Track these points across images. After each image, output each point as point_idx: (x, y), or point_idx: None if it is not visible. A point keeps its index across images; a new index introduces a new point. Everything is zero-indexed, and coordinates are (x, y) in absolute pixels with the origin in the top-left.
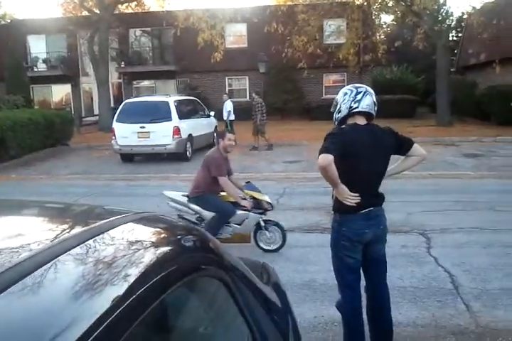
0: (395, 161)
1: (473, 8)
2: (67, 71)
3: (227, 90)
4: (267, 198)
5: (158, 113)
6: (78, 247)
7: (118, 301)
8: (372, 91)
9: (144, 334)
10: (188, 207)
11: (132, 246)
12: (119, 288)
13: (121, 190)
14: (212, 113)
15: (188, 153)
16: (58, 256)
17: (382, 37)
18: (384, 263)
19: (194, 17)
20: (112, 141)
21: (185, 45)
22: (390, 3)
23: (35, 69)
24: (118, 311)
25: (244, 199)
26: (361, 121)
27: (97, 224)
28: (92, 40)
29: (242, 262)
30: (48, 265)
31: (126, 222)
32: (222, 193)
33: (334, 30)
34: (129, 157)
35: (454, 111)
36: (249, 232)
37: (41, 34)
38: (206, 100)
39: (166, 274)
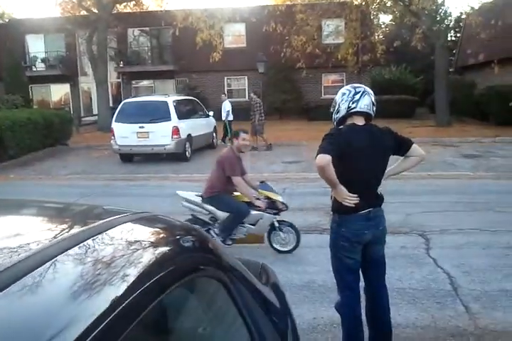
0: (394, 162)
1: (472, 8)
2: (65, 71)
3: (226, 90)
4: (281, 198)
5: (157, 113)
6: (76, 247)
7: (116, 301)
8: (370, 92)
9: (142, 335)
10: (202, 207)
11: (131, 246)
12: (118, 288)
13: (120, 190)
14: (211, 113)
15: (187, 153)
16: (56, 255)
17: (381, 37)
18: (383, 264)
19: (193, 17)
20: (111, 141)
21: (184, 45)
22: (389, 3)
23: (34, 69)
24: (116, 311)
25: (259, 199)
26: (360, 121)
27: (96, 223)
28: (91, 39)
29: (240, 263)
30: (46, 265)
31: (125, 222)
32: (236, 193)
33: (333, 30)
34: (128, 157)
35: (453, 111)
36: (263, 233)
37: (40, 33)
38: (205, 100)
39: (164, 274)
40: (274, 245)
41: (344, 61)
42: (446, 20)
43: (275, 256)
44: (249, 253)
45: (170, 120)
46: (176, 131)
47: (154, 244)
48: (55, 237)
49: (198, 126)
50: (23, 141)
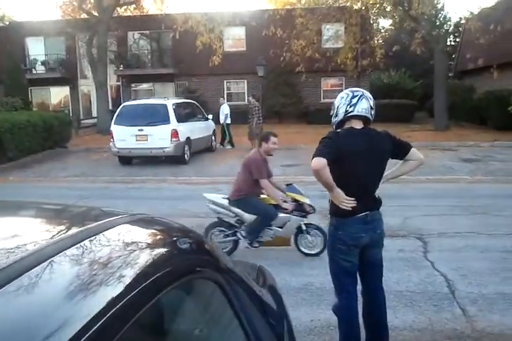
0: (393, 166)
1: (471, 13)
2: (65, 73)
3: (225, 93)
4: (308, 201)
5: (156, 116)
6: (73, 248)
7: (111, 302)
8: (369, 95)
9: (137, 336)
10: (229, 210)
11: (127, 247)
12: (113, 289)
13: (119, 192)
14: (210, 116)
15: (186, 156)
16: (53, 256)
17: (380, 41)
18: (380, 267)
19: (193, 20)
20: (110, 144)
21: (184, 49)
22: (388, 8)
23: (34, 72)
24: (111, 312)
25: (286, 201)
26: (358, 125)
27: (93, 225)
28: (91, 42)
29: (238, 265)
30: (42, 265)
31: (122, 223)
32: (263, 196)
33: (332, 35)
34: (127, 159)
35: (452, 115)
36: (290, 235)
37: (40, 36)
38: (204, 103)
39: (160, 276)
40: (301, 248)
41: (343, 65)
42: (445, 25)
43: (273, 258)
44: (248, 255)
45: (169, 123)
46: (174, 134)
47: (151, 246)
48: (52, 238)
49: (197, 129)
50: (23, 144)
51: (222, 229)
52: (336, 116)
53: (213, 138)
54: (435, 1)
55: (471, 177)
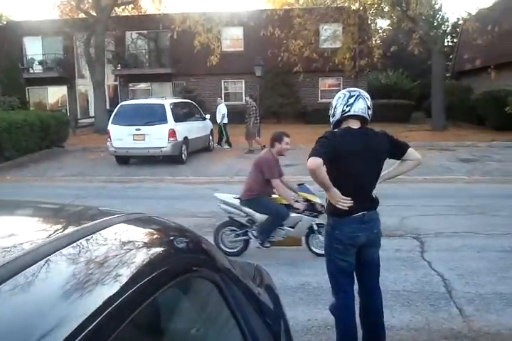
0: (391, 166)
1: (469, 14)
2: (63, 73)
3: (223, 93)
4: (320, 200)
5: (153, 115)
6: (69, 247)
7: (107, 301)
8: (366, 95)
9: (133, 335)
10: (240, 210)
11: (124, 246)
12: (109, 288)
13: (116, 192)
14: (207, 116)
15: (183, 155)
16: (49, 255)
17: (378, 42)
18: (377, 266)
19: (190, 20)
20: (108, 143)
21: (182, 48)
22: (386, 9)
23: (31, 71)
24: (107, 311)
25: (298, 201)
26: (355, 124)
27: (89, 224)
28: (89, 42)
29: (235, 264)
30: (38, 264)
31: (119, 223)
32: (274, 195)
33: (330, 35)
34: (124, 159)
35: (449, 115)
36: (301, 235)
37: (37, 36)
38: (202, 103)
39: (156, 275)
40: (312, 248)
41: (341, 65)
42: (443, 26)
43: (270, 257)
44: (245, 255)
45: (166, 122)
46: (172, 133)
47: (147, 245)
48: (48, 237)
49: (195, 129)
50: (20, 143)
51: (234, 228)
52: (334, 116)
53: (211, 137)
54: (433, 2)
55: (469, 177)
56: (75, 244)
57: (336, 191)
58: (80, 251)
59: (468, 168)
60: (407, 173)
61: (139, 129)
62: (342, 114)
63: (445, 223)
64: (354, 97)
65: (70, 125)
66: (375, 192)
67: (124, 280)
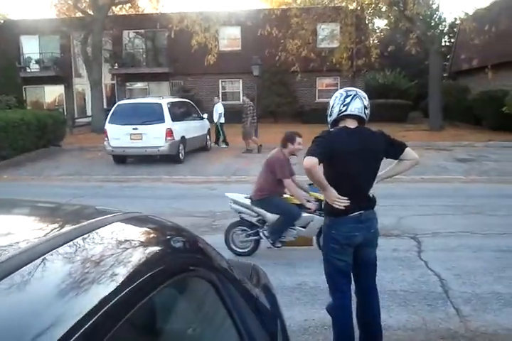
0: (388, 165)
1: (466, 14)
2: (60, 72)
3: (220, 93)
4: None
5: (151, 115)
6: (65, 245)
7: (103, 300)
8: (363, 95)
9: (129, 334)
10: (251, 210)
11: (120, 245)
12: (105, 287)
13: (113, 191)
14: (205, 115)
15: (180, 155)
16: (45, 254)
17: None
18: (374, 266)
19: (188, 19)
20: (105, 143)
21: (179, 48)
22: (384, 8)
23: (28, 70)
24: (103, 310)
25: (309, 201)
26: (352, 124)
27: (86, 222)
28: (86, 41)
29: (232, 264)
30: (34, 263)
31: (115, 222)
32: (285, 195)
33: (328, 35)
34: (121, 158)
35: (446, 115)
36: (313, 235)
37: (34, 35)
38: (199, 102)
39: (153, 274)
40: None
41: (339, 65)
42: (440, 26)
43: (267, 257)
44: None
45: (164, 122)
46: (169, 132)
47: (144, 244)
48: (44, 236)
49: (192, 128)
50: (16, 142)
51: (244, 228)
52: (331, 115)
53: (208, 137)
54: (430, 2)
55: (466, 177)
56: (71, 243)
57: (332, 190)
58: (76, 250)
59: (465, 168)
60: (404, 173)
61: (136, 128)
62: (339, 114)
63: (442, 223)
64: (351, 97)
65: (67, 124)
66: (372, 192)
67: (120, 279)
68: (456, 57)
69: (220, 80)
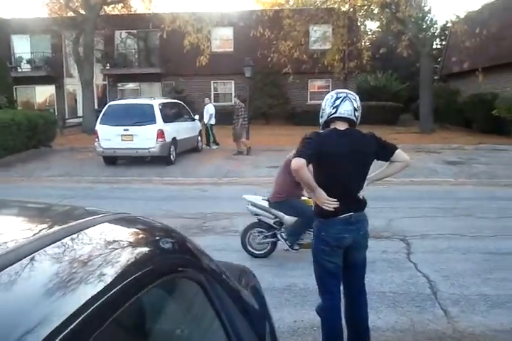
0: (379, 168)
1: (457, 17)
2: (51, 72)
3: (212, 94)
4: None
5: (142, 116)
6: (53, 245)
7: (90, 300)
8: (353, 97)
9: (116, 334)
10: (269, 212)
11: (108, 246)
12: (93, 287)
13: (103, 192)
14: (196, 116)
15: (171, 156)
16: (32, 254)
17: (367, 44)
18: (363, 268)
19: (180, 20)
20: (95, 143)
21: (172, 48)
22: (376, 11)
23: (19, 70)
24: (89, 310)
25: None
26: (342, 126)
27: (74, 223)
28: (77, 41)
29: (221, 265)
30: (21, 263)
31: (104, 222)
32: (304, 197)
33: (320, 36)
34: (112, 159)
35: (437, 118)
36: None
37: (25, 34)
38: (191, 103)
39: (141, 274)
40: None
41: (330, 67)
42: (431, 28)
43: (257, 259)
44: (232, 256)
45: (155, 123)
46: (160, 134)
47: (132, 244)
48: (32, 235)
49: (184, 130)
50: (6, 142)
51: (262, 230)
52: (322, 117)
53: (199, 138)
54: (422, 4)
55: (455, 179)
56: (59, 243)
57: (321, 192)
58: (64, 250)
59: (455, 171)
60: (394, 175)
61: (127, 129)
62: (329, 116)
63: (431, 225)
64: (340, 99)
65: (58, 125)
66: (362, 194)
67: (108, 279)
68: (447, 59)
69: (212, 81)
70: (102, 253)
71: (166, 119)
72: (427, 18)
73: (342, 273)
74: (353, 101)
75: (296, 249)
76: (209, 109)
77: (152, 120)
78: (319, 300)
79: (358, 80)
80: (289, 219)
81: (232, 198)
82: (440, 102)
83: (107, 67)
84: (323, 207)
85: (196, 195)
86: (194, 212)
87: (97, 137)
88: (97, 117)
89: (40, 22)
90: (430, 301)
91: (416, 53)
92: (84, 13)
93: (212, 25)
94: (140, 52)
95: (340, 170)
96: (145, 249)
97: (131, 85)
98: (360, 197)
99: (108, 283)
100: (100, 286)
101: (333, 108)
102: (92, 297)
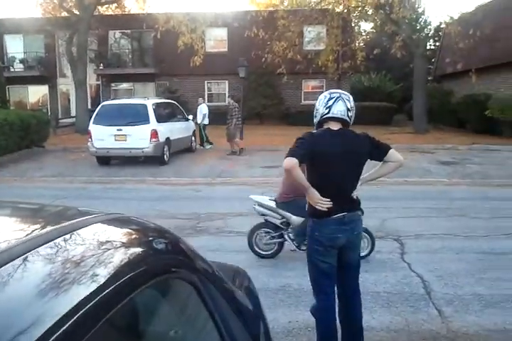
0: (373, 167)
1: (451, 18)
2: (44, 72)
3: (206, 94)
4: None
5: (135, 116)
6: (45, 246)
7: (83, 301)
8: (347, 97)
9: (109, 335)
10: (276, 212)
11: (101, 246)
12: (85, 288)
13: (97, 192)
14: (190, 117)
15: (165, 156)
16: (24, 254)
17: (361, 44)
18: (357, 268)
19: (174, 20)
20: (89, 143)
21: (165, 48)
22: (370, 11)
23: (12, 70)
24: (82, 311)
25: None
26: (335, 126)
27: (67, 223)
28: (71, 41)
29: (214, 266)
30: (13, 263)
31: (97, 222)
32: None
33: (314, 37)
34: (105, 160)
35: (431, 118)
36: None
37: (19, 34)
38: (185, 104)
39: (134, 275)
40: None
41: (324, 67)
42: (425, 29)
43: (251, 259)
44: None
45: (148, 123)
46: (154, 134)
47: (125, 245)
48: (24, 236)
49: (177, 130)
50: None
51: (268, 230)
52: (315, 117)
53: (193, 138)
54: (416, 5)
55: (449, 179)
56: (52, 243)
57: (314, 192)
58: (56, 251)
59: (449, 171)
60: (388, 175)
61: (120, 129)
62: (322, 116)
63: (425, 225)
64: (333, 99)
65: (51, 125)
66: (356, 194)
67: (101, 279)
68: (440, 60)
69: (206, 81)
70: (95, 253)
71: (160, 119)
72: (420, 19)
73: (336, 274)
74: (347, 101)
75: (303, 250)
76: (202, 109)
77: (146, 120)
78: (313, 300)
79: (352, 81)
80: (296, 220)
81: (226, 198)
82: (434, 103)
83: (101, 67)
84: (317, 207)
85: (190, 195)
86: (188, 212)
87: (90, 137)
88: (91, 117)
89: (33, 22)
90: (424, 301)
91: (410, 54)
92: (78, 13)
93: (207, 25)
94: (134, 52)
95: (334, 170)
96: (138, 250)
97: (124, 85)
98: (354, 197)
99: (101, 283)
100: (93, 287)
101: (326, 108)
102: (85, 297)
